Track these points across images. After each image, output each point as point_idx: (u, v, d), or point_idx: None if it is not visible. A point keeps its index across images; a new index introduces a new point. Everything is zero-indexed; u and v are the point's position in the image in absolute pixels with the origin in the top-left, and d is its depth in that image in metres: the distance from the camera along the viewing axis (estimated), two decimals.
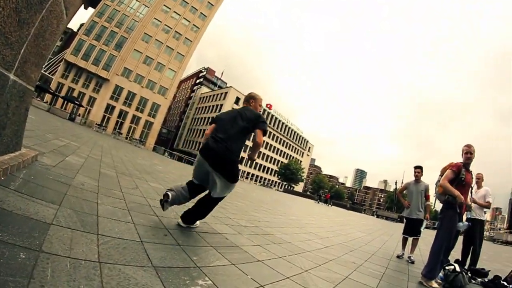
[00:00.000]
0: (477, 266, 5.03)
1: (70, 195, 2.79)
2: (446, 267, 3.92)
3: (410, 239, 5.90)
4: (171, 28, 50.81)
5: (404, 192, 6.34)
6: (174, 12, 51.10)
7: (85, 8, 3.80)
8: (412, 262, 5.44)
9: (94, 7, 3.96)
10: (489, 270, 4.94)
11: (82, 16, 59.72)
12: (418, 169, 5.95)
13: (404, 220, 6.14)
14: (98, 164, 5.82)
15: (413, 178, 6.00)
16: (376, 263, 4.36)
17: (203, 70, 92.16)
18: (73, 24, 74.01)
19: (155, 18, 49.06)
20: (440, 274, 3.89)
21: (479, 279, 4.57)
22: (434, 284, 3.52)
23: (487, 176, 5.69)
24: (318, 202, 37.83)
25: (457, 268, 3.85)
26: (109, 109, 46.40)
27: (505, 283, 4.24)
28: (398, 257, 5.53)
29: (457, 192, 3.57)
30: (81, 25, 47.10)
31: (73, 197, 2.76)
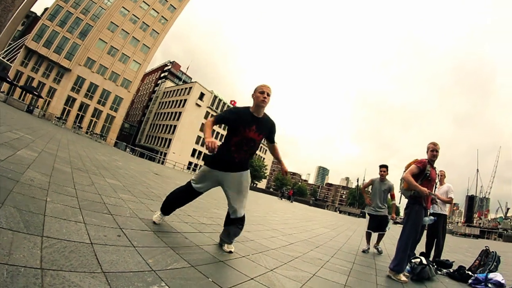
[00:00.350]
0: (441, 258, 5.20)
1: (16, 192, 2.56)
2: (413, 260, 3.96)
3: (374, 234, 5.99)
4: (138, 19, 48.54)
5: (368, 188, 6.44)
6: (144, 2, 48.91)
7: None
8: (380, 252, 5.65)
9: None
10: (453, 261, 5.14)
11: (47, 0, 55.63)
12: (384, 168, 6.03)
13: (367, 216, 6.22)
14: (53, 159, 5.49)
15: (378, 176, 6.08)
16: (342, 259, 4.32)
17: (168, 64, 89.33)
18: (37, 8, 69.02)
19: (123, 7, 46.62)
20: (407, 267, 3.92)
21: (444, 270, 4.69)
22: (403, 277, 3.52)
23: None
24: (281, 199, 38.13)
25: (424, 261, 3.91)
26: (70, 101, 43.44)
27: (470, 273, 4.37)
28: (363, 251, 5.59)
29: (419, 187, 3.58)
30: (46, 9, 43.82)
31: (19, 194, 2.54)
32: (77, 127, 38.73)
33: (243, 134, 2.79)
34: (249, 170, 3.01)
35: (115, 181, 5.77)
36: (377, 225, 5.93)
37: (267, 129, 2.96)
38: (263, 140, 3.01)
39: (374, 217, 5.96)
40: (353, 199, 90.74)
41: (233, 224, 2.94)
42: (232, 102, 71.20)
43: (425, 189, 3.57)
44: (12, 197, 2.37)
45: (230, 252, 2.95)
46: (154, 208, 4.22)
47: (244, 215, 2.97)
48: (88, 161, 7.83)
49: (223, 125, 3.11)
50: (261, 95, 2.80)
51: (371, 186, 6.22)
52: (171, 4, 52.31)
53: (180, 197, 3.11)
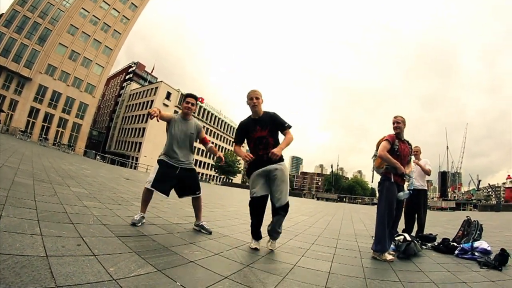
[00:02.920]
0: (423, 233, 5.22)
1: None
2: (396, 238, 3.91)
3: None
4: (99, 19, 46.42)
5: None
6: (104, 1, 46.87)
7: None
8: None
9: None
10: (436, 234, 5.15)
11: (2, 5, 52.04)
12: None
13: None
14: (13, 173, 5.27)
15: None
16: (324, 245, 4.20)
17: (132, 65, 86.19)
18: None
19: (82, 8, 44.34)
20: (392, 246, 3.86)
21: (429, 244, 4.69)
22: (389, 256, 3.44)
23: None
24: None
25: (407, 237, 3.86)
26: (33, 112, 41.06)
27: (455, 244, 4.39)
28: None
29: (397, 164, 3.54)
30: (1, 15, 41.01)
31: None
32: (43, 139, 37.01)
33: (253, 137, 3.32)
34: (283, 162, 3.33)
35: (80, 189, 5.55)
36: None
37: (268, 122, 3.32)
38: (273, 133, 3.33)
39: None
40: (329, 185, 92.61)
41: (278, 214, 3.24)
42: (200, 99, 70.38)
43: (402, 167, 3.55)
44: None
45: (271, 250, 3.31)
46: (120, 212, 3.97)
47: (287, 202, 3.27)
48: (53, 172, 7.48)
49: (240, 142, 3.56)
50: (251, 101, 3.31)
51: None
52: (132, 3, 50.64)
53: (256, 214, 3.32)
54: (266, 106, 3.46)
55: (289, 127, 3.35)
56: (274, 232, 3.34)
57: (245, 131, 3.39)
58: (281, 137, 3.38)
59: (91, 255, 2.05)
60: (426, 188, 5.55)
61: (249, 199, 3.31)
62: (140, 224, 3.42)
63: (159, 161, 3.66)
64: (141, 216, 3.50)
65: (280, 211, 3.23)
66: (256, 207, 3.28)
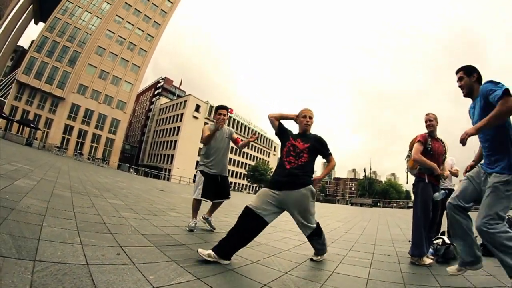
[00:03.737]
0: None
1: (11, 219, 2.49)
2: (434, 242, 3.73)
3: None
4: (124, 39, 48.80)
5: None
6: (127, 22, 49.16)
7: (35, 23, 3.30)
8: None
9: (44, 21, 3.46)
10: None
11: (33, 32, 56.21)
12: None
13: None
14: (52, 186, 5.38)
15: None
16: (361, 251, 4.09)
17: (160, 80, 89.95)
18: (24, 42, 69.45)
19: (108, 30, 46.85)
20: (431, 250, 3.68)
21: None
22: (428, 260, 3.28)
23: (452, 151, 5.62)
24: None
25: (446, 240, 3.67)
26: (68, 129, 43.56)
27: None
28: None
29: (433, 164, 3.41)
30: (32, 41, 43.96)
31: (14, 221, 2.46)
32: (78, 154, 38.83)
33: (290, 143, 3.13)
34: (309, 186, 2.98)
35: (117, 201, 5.67)
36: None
37: (312, 140, 3.11)
38: (312, 152, 3.07)
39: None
40: (363, 190, 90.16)
41: (311, 239, 3.12)
42: (230, 110, 71.40)
43: (438, 168, 3.42)
44: (5, 224, 2.29)
45: (320, 260, 3.18)
46: (157, 223, 4.07)
47: (317, 223, 3.07)
48: (90, 185, 7.71)
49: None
50: (304, 119, 3.16)
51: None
52: (154, 21, 52.59)
53: (243, 230, 2.76)
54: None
55: (330, 154, 3.20)
56: (319, 250, 3.20)
57: (286, 133, 3.22)
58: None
59: (130, 264, 2.08)
60: (454, 188, 5.34)
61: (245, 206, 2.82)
62: (195, 229, 3.93)
63: (202, 172, 4.07)
64: (194, 222, 3.95)
65: (312, 237, 3.03)
66: (246, 222, 2.73)
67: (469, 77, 2.56)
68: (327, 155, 3.18)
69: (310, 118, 3.17)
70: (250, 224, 2.70)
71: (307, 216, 2.92)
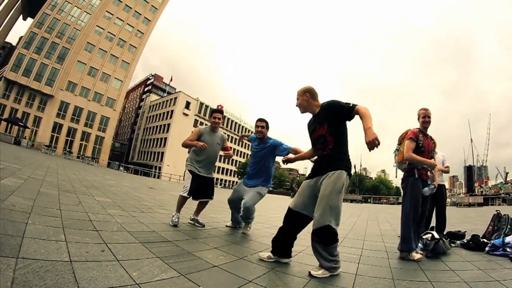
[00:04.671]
0: (451, 230, 5.02)
1: None
2: (424, 236, 3.75)
3: None
4: (114, 35, 48.01)
5: None
6: (117, 18, 48.36)
7: (24, 19, 3.19)
8: None
9: (33, 17, 3.36)
10: (465, 231, 4.92)
11: (21, 28, 54.90)
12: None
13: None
14: (39, 184, 5.37)
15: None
16: (350, 246, 4.10)
17: (150, 77, 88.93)
18: (11, 38, 67.78)
19: (97, 26, 46.00)
20: (420, 245, 3.71)
21: (458, 242, 4.49)
22: (416, 256, 3.30)
23: (441, 147, 5.68)
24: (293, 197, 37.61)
25: (436, 235, 3.70)
26: (57, 127, 42.79)
27: (485, 240, 4.18)
28: None
29: (427, 161, 3.42)
30: (20, 38, 42.98)
31: None
32: (67, 153, 38.29)
33: (314, 137, 2.80)
34: (339, 171, 2.63)
35: (105, 198, 5.64)
36: None
37: (324, 116, 2.69)
38: (333, 128, 2.64)
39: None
40: (353, 186, 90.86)
41: (312, 240, 2.57)
42: (219, 106, 71.20)
43: (435, 163, 3.45)
44: None
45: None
46: (144, 220, 4.02)
47: (328, 226, 2.47)
48: (78, 183, 7.64)
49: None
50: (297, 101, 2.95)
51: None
52: (145, 17, 51.88)
53: (289, 228, 2.83)
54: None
55: (355, 105, 2.53)
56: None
57: (309, 131, 2.88)
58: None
59: (114, 261, 2.06)
60: (444, 183, 5.40)
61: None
62: (178, 224, 3.99)
63: (191, 172, 4.16)
64: (177, 217, 4.03)
65: (314, 237, 2.50)
66: (290, 221, 2.76)
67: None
68: (350, 111, 2.58)
69: (300, 96, 2.86)
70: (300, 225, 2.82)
71: (327, 206, 2.63)
